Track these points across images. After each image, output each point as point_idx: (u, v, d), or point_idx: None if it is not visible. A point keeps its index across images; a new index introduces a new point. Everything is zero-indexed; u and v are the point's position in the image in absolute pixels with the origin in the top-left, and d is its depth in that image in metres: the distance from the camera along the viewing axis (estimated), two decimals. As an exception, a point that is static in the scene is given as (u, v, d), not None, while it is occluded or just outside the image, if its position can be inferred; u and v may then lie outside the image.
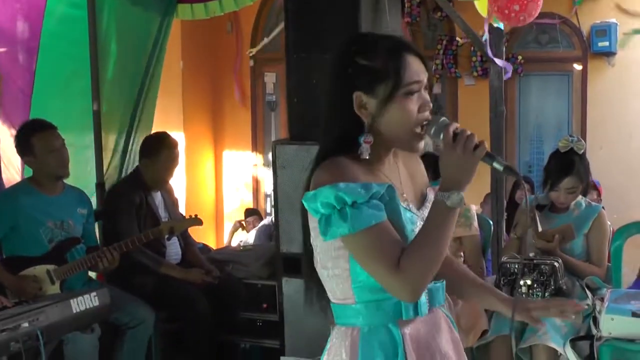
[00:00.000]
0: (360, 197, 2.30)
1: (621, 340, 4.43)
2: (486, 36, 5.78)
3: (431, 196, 2.58)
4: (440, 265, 2.35)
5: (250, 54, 9.58)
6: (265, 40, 9.26)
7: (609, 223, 5.27)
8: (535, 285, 4.84)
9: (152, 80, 6.94)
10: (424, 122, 2.41)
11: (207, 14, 7.26)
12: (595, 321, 4.61)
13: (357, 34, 2.61)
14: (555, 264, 4.83)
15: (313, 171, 2.43)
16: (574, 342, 4.63)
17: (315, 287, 2.59)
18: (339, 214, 2.30)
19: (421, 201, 2.59)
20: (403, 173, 2.57)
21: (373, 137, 2.41)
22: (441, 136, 2.37)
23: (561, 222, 5.10)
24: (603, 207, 5.29)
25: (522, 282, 4.85)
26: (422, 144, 2.44)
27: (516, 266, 4.91)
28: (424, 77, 2.44)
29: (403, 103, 2.39)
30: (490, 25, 5.83)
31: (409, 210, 2.49)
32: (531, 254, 5.03)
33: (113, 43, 6.65)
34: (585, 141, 5.32)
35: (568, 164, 5.06)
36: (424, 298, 2.48)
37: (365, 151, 2.40)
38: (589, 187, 5.30)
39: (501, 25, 5.75)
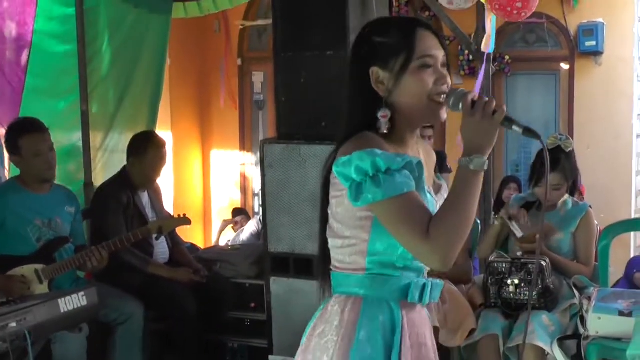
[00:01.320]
0: (395, 164, 2.34)
1: (608, 339, 4.44)
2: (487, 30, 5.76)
3: (444, 185, 2.68)
4: (468, 230, 2.37)
5: (242, 26, 9.50)
6: (260, 21, 9.23)
7: (596, 222, 5.28)
8: (522, 285, 4.86)
9: (151, 79, 6.96)
10: (442, 95, 2.46)
11: (202, 12, 7.25)
12: (583, 320, 4.62)
13: (374, 18, 2.67)
14: (543, 263, 4.84)
15: (338, 148, 2.47)
16: (561, 341, 4.65)
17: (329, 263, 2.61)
18: (371, 181, 2.34)
19: (435, 190, 2.64)
20: (422, 160, 2.59)
21: (392, 114, 2.46)
22: (460, 106, 2.41)
23: (548, 221, 5.11)
24: (590, 206, 5.30)
25: (509, 282, 4.87)
26: (444, 112, 2.49)
27: (504, 265, 4.92)
28: (439, 53, 2.49)
29: (417, 75, 2.44)
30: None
31: (429, 193, 2.54)
32: (519, 254, 5.05)
33: (106, 42, 6.64)
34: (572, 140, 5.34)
35: (553, 161, 5.07)
36: (429, 287, 2.53)
37: (384, 125, 2.45)
38: (576, 186, 5.31)
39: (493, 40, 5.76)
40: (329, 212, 2.54)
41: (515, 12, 5.44)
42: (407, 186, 2.34)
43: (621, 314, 4.43)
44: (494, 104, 2.37)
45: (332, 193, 2.50)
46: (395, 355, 2.45)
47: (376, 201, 2.34)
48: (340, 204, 2.46)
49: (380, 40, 2.48)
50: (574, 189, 5.28)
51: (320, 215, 2.62)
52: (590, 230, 5.16)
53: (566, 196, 5.19)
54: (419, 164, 2.43)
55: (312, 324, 2.59)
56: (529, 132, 2.38)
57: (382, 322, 2.47)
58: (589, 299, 4.64)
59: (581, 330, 4.62)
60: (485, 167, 2.37)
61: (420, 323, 2.56)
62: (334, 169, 2.42)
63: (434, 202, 2.54)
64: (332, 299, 2.56)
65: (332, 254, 2.57)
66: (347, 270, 2.52)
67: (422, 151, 2.64)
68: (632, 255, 6.92)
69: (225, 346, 6.06)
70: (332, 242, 2.56)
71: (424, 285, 2.51)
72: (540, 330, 4.63)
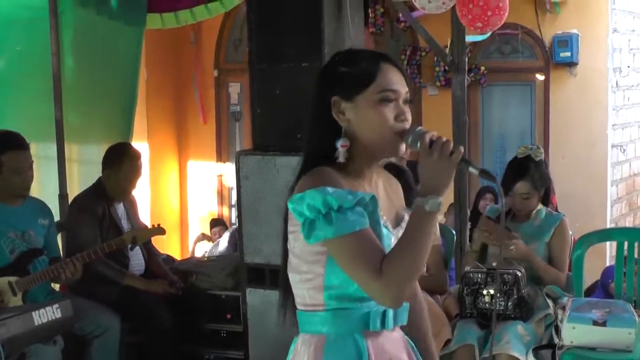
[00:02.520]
0: (346, 202, 2.33)
1: (583, 348, 4.48)
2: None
3: (407, 217, 2.61)
4: (421, 269, 2.37)
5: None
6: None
7: (571, 232, 5.30)
8: (498, 295, 4.87)
9: (125, 90, 6.92)
10: (402, 130, 2.44)
11: (179, 23, 7.22)
12: (557, 330, 4.65)
13: (344, 49, 2.68)
14: (518, 273, 4.86)
15: (298, 178, 2.46)
16: (536, 351, 4.67)
17: (289, 297, 2.60)
18: (324, 218, 2.33)
19: (397, 222, 2.61)
20: (382, 193, 2.60)
21: (351, 144, 2.45)
22: (418, 145, 2.40)
23: (523, 231, 5.13)
24: (564, 216, 5.32)
25: (485, 292, 4.88)
26: (402, 147, 2.47)
27: (479, 276, 4.93)
28: (401, 89, 2.48)
29: (378, 108, 2.43)
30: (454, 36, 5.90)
31: (386, 227, 2.52)
32: (494, 264, 5.06)
33: (68, 53, 6.60)
34: (548, 151, 5.38)
35: (522, 169, 5.09)
36: (391, 313, 2.51)
37: (342, 155, 2.44)
38: (548, 195, 5.32)
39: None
40: (288, 247, 2.54)
41: (478, 30, 5.52)
42: (359, 224, 2.34)
43: (595, 323, 4.46)
44: (452, 144, 2.37)
45: (289, 228, 2.51)
46: None
47: (327, 239, 2.34)
48: (297, 238, 2.46)
49: (344, 70, 2.49)
50: (547, 198, 5.29)
51: (282, 250, 2.61)
52: (564, 240, 5.17)
53: (540, 206, 5.21)
54: (373, 198, 2.42)
55: None
56: (485, 174, 2.40)
57: (347, 357, 2.46)
58: (564, 308, 4.67)
59: (556, 340, 4.64)
60: (440, 208, 2.36)
61: (391, 347, 2.55)
62: (288, 204, 2.43)
63: (391, 236, 2.51)
64: (300, 338, 2.57)
65: (293, 289, 2.56)
66: (308, 309, 2.52)
67: (384, 185, 2.64)
68: (607, 265, 6.94)
69: (201, 358, 6.05)
70: (291, 277, 2.55)
71: (384, 312, 2.50)
72: (515, 340, 4.64)
